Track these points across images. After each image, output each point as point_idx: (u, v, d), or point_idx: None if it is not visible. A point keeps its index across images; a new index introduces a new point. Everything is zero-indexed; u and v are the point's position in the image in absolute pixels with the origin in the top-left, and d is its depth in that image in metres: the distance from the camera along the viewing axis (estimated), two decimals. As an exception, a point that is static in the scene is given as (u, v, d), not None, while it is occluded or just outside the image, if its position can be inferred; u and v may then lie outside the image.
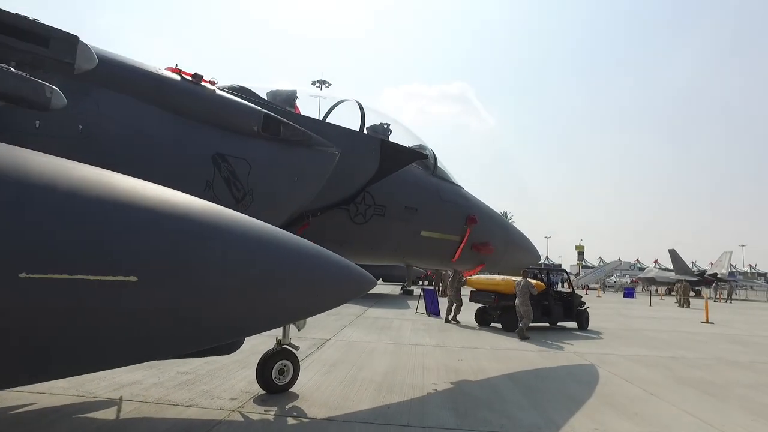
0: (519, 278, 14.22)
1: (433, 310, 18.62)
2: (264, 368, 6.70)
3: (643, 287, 58.36)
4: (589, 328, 16.35)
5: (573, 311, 16.19)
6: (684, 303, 32.59)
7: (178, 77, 4.03)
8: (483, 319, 15.93)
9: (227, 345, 5.13)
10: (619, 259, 67.56)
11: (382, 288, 35.01)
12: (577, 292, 17.31)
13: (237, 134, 4.30)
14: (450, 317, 16.52)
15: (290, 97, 6.34)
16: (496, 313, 15.28)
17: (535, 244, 10.60)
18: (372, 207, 6.76)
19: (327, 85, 60.18)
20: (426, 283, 38.78)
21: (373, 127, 7.58)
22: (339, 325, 14.09)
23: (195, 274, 2.51)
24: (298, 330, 7.33)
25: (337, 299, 3.31)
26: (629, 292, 45.27)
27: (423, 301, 19.41)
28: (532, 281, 14.31)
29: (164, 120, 3.73)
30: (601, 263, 67.60)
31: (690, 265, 53.63)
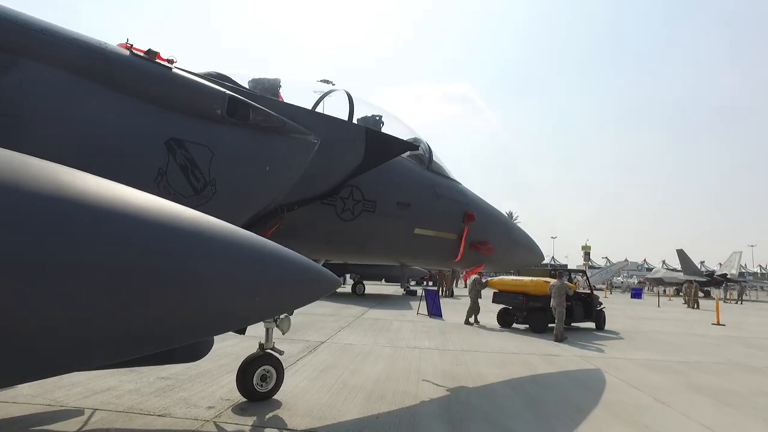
0: (550, 280, 14.40)
1: (434, 312, 18.07)
2: (244, 374, 6.23)
3: (650, 288, 57.36)
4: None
5: (592, 311, 16.01)
6: (693, 304, 31.78)
7: (127, 53, 3.58)
8: (505, 321, 15.71)
9: (190, 352, 4.64)
10: (626, 260, 66.37)
11: (384, 288, 34.52)
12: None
13: (197, 118, 3.83)
14: (471, 319, 16.40)
15: (273, 86, 5.87)
16: (522, 314, 15.08)
17: (539, 244, 10.08)
18: (361, 202, 6.25)
19: (331, 84, 60.16)
20: (430, 283, 38.22)
21: (364, 119, 7.10)
22: (336, 327, 13.61)
23: (128, 274, 2.03)
24: (283, 333, 6.88)
25: (296, 300, 2.85)
26: (636, 293, 44.38)
27: (425, 302, 18.84)
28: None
29: (107, 99, 3.28)
30: (608, 263, 66.49)
31: (699, 266, 52.57)
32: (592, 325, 16.12)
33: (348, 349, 10.27)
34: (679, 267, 52.51)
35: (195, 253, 2.17)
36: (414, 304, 22.84)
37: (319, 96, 6.69)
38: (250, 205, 4.33)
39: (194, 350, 4.71)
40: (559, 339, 12.90)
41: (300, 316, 15.94)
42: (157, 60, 3.75)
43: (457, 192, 7.99)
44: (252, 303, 2.38)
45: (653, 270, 61.46)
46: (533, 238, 10.06)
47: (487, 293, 17.50)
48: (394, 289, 34.13)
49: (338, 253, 6.82)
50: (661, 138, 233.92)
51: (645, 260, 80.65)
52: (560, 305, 13.32)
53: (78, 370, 2.29)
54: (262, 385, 6.32)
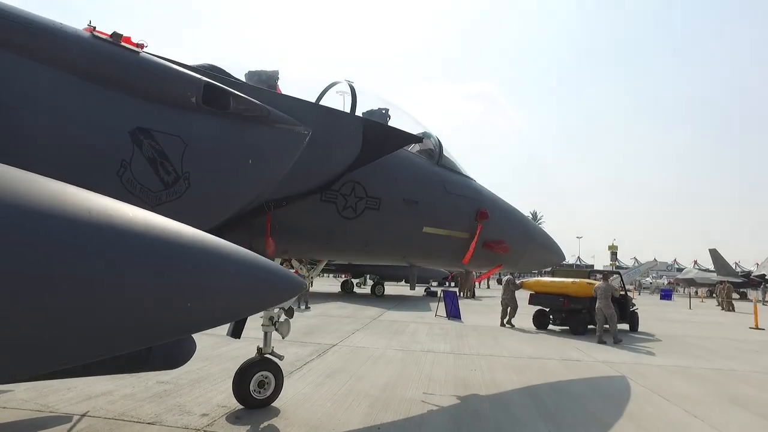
0: (591, 281, 14.56)
1: (453, 314, 17.53)
2: (241, 380, 5.90)
3: (682, 288, 55.01)
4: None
5: (626, 312, 15.72)
6: (727, 306, 30.19)
7: (87, 35, 3.28)
8: (540, 323, 15.51)
9: (165, 359, 4.32)
10: (655, 260, 63.79)
11: (405, 289, 34.03)
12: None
13: (168, 106, 3.50)
14: (505, 321, 16.12)
15: (270, 78, 5.53)
16: (560, 316, 14.95)
17: (560, 244, 9.48)
18: (364, 199, 5.85)
19: (340, 93, 60.01)
20: (452, 284, 37.52)
21: (370, 112, 6.72)
22: (350, 329, 13.25)
23: (83, 279, 1.74)
24: (283, 337, 6.55)
25: (246, 307, 2.45)
26: (666, 294, 42.56)
27: (443, 303, 18.31)
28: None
29: (63, 85, 2.98)
30: (636, 264, 64.16)
31: (733, 266, 50.12)
32: (625, 326, 15.70)
33: (359, 353, 9.89)
34: (711, 267, 50.21)
35: (182, 262, 1.85)
36: (434, 305, 22.31)
37: (323, 89, 6.34)
38: (231, 200, 3.98)
39: (170, 358, 4.38)
40: (616, 341, 12.80)
41: (315, 318, 15.69)
42: (123, 43, 3.44)
43: (469, 188, 7.51)
44: (181, 311, 2.00)
45: (684, 270, 58.98)
46: (553, 237, 9.49)
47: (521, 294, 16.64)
48: (416, 290, 33.62)
49: (340, 253, 6.43)
50: (693, 134, 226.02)
51: (675, 260, 77.74)
52: (608, 307, 13.15)
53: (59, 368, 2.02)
54: (259, 392, 5.99)
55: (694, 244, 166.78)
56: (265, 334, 6.30)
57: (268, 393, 6.04)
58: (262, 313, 6.36)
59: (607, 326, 13.08)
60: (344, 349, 10.29)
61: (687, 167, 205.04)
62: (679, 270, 64.93)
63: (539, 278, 16.35)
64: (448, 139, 7.41)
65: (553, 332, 14.44)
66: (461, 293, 31.41)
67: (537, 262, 9.54)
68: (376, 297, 27.01)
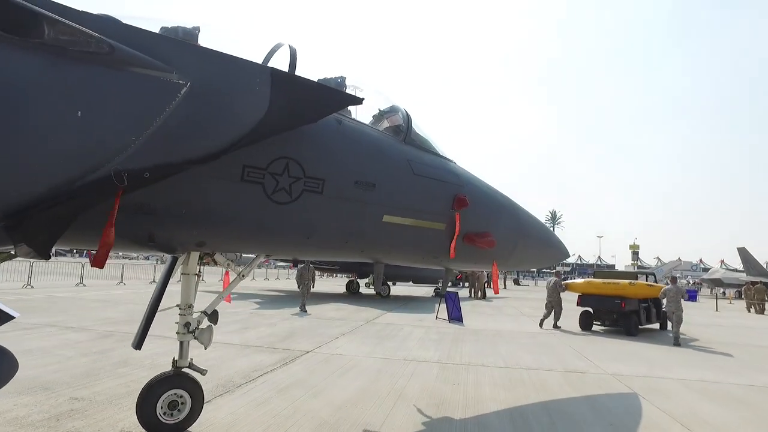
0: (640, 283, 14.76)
1: (455, 316, 16.12)
2: (146, 401, 4.72)
3: (709, 289, 51.89)
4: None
5: (660, 312, 15.97)
6: (758, 308, 27.83)
7: None
8: (586, 324, 15.25)
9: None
10: (679, 259, 60.39)
11: (413, 290, 32.69)
12: None
13: None
14: (552, 323, 15.59)
15: (189, 34, 4.37)
16: (611, 317, 14.65)
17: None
18: (301, 180, 4.60)
19: (359, 90, 58.89)
20: (466, 284, 35.85)
21: (325, 81, 5.52)
22: (336, 333, 12.01)
23: None
24: (205, 348, 5.36)
25: None
26: (692, 295, 39.85)
27: (445, 305, 16.90)
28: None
29: None
30: (659, 263, 60.99)
31: (765, 266, 46.90)
32: (655, 325, 15.73)
33: (332, 362, 8.64)
34: (740, 267, 47.11)
35: None
36: (442, 308, 20.93)
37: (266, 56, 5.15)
38: (44, 166, 2.79)
39: None
40: (677, 342, 12.75)
41: (305, 320, 14.51)
42: None
43: (445, 171, 6.17)
44: None
45: (710, 270, 55.71)
46: (552, 231, 8.08)
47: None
48: (425, 291, 32.22)
49: (277, 246, 5.17)
50: (718, 130, 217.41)
51: (701, 260, 74.08)
52: (679, 309, 13.19)
53: None
54: (171, 415, 4.80)
55: (721, 243, 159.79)
56: (181, 344, 5.11)
57: (182, 416, 4.85)
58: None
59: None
60: (318, 357, 9.06)
61: (713, 162, 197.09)
62: (705, 270, 61.52)
63: (590, 279, 16.16)
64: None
65: (552, 335, 12.91)
66: (471, 294, 29.88)
67: (533, 260, 8.09)
68: (382, 298, 25.71)
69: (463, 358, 9.52)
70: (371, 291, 29.65)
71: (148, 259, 65.13)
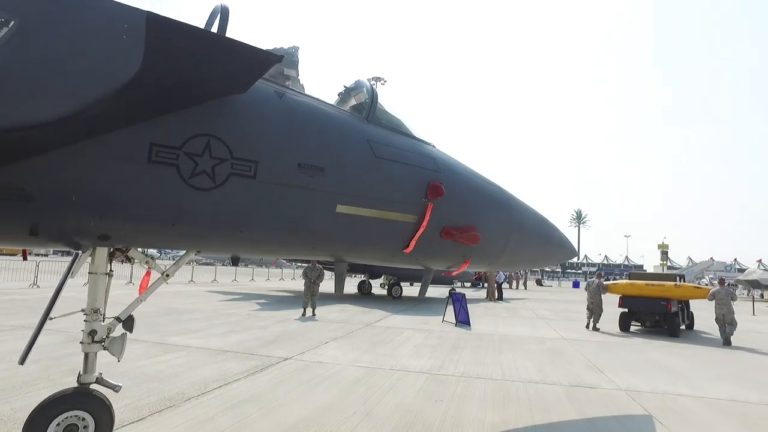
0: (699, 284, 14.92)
1: (462, 319, 15.05)
2: (31, 427, 3.91)
3: (745, 291, 48.65)
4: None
5: (688, 313, 16.13)
6: (800, 312, 25.57)
7: None
8: (625, 325, 15.02)
9: None
10: (712, 259, 57.00)
11: (429, 291, 31.45)
12: None
13: None
14: (592, 325, 15.34)
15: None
16: (654, 318, 14.57)
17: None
18: (227, 162, 3.74)
19: (382, 82, 57.79)
20: (484, 284, 34.43)
21: (276, 50, 4.70)
22: (327, 338, 11.14)
23: None
24: (118, 360, 4.52)
25: None
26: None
27: (453, 308, 15.83)
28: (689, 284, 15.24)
29: None
30: (690, 263, 57.77)
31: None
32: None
33: (308, 371, 7.77)
34: (779, 267, 44.00)
35: None
36: (449, 309, 19.82)
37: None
38: None
39: None
40: (728, 342, 12.88)
41: (302, 323, 13.71)
42: None
43: (417, 154, 5.20)
44: None
45: (746, 271, 52.29)
46: (556, 228, 7.02)
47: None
48: (440, 292, 30.91)
49: (200, 240, 4.28)
50: (753, 123, 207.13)
51: (735, 260, 70.14)
52: (731, 312, 13.10)
53: None
54: (68, 443, 3.98)
55: (758, 242, 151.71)
56: (86, 355, 4.28)
57: (84, 444, 4.03)
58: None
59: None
60: (295, 365, 8.20)
61: (749, 158, 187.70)
62: (741, 270, 57.98)
63: (632, 281, 15.90)
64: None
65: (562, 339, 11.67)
66: (488, 295, 28.53)
67: (531, 259, 7.00)
68: (393, 299, 24.75)
69: (457, 368, 8.48)
70: (381, 291, 28.72)
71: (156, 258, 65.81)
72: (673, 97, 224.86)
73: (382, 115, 5.14)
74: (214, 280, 31.04)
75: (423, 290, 6.28)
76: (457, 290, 29.69)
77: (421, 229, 4.94)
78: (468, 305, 23.80)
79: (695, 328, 16.53)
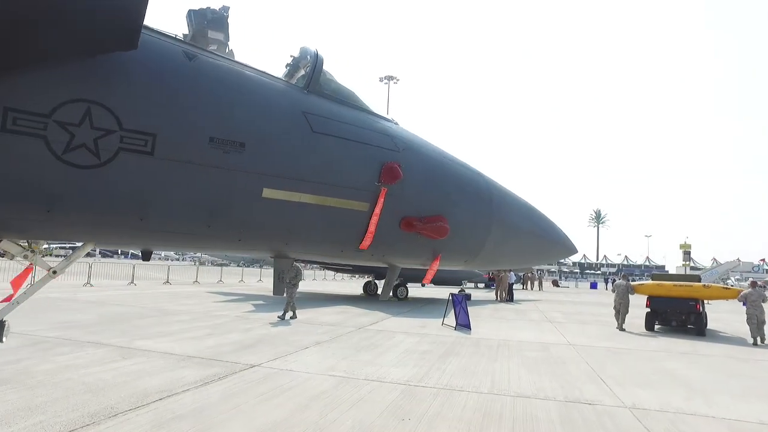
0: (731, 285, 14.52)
1: (462, 322, 14.04)
2: None
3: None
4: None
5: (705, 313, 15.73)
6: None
7: None
8: (651, 325, 15.10)
9: None
10: (738, 259, 54.19)
11: (437, 292, 30.45)
12: None
13: None
14: (619, 325, 15.26)
15: None
16: (680, 318, 14.70)
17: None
18: (115, 134, 2.93)
19: (395, 81, 56.79)
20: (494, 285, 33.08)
21: (199, 12, 3.91)
22: (308, 343, 10.29)
23: None
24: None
25: None
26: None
27: (453, 310, 14.82)
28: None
29: None
30: (715, 264, 55.11)
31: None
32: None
33: (271, 380, 6.94)
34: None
35: None
36: (449, 312, 18.79)
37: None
38: None
39: None
40: (760, 342, 12.98)
41: (288, 325, 12.91)
42: None
43: (369, 131, 4.28)
44: None
45: (776, 272, 49.78)
46: (552, 222, 6.02)
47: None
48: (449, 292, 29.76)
49: (91, 230, 3.45)
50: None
51: (764, 260, 66.93)
52: (763, 313, 13.09)
53: None
54: None
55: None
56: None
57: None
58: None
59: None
60: (260, 373, 7.37)
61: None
62: (768, 271, 55.14)
63: (659, 282, 15.78)
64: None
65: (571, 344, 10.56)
66: (497, 296, 27.32)
67: (520, 256, 6.00)
68: (399, 300, 23.78)
69: (441, 379, 7.53)
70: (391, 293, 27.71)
71: (168, 259, 66.28)
72: (697, 92, 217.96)
73: (327, 85, 4.24)
74: (220, 280, 30.59)
75: (386, 291, 5.33)
76: (467, 291, 28.69)
77: (374, 218, 4.04)
78: (475, 307, 22.89)
79: (708, 326, 15.66)
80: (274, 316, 14.77)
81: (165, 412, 5.30)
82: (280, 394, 6.32)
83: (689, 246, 51.76)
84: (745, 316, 13.59)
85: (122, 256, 72.91)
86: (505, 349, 10.71)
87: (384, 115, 4.58)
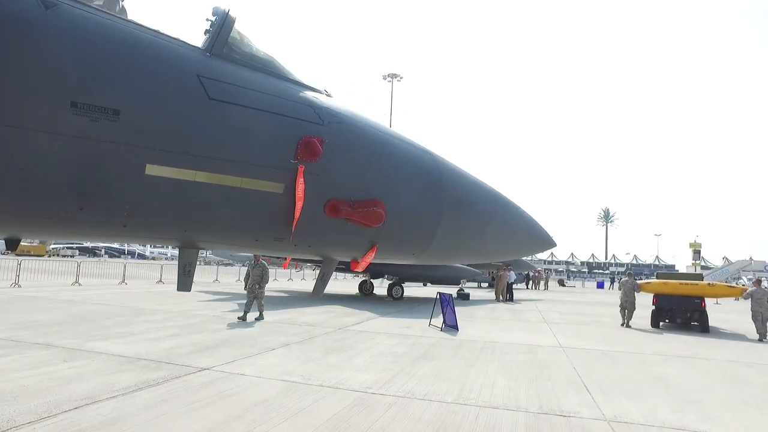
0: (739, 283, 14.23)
1: (449, 323, 13.29)
2: None
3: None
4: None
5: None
6: None
7: None
8: (656, 322, 15.39)
9: None
10: (750, 258, 52.51)
11: (435, 292, 29.60)
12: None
13: None
14: (626, 322, 15.54)
15: None
16: (686, 315, 14.96)
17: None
18: None
19: (398, 78, 55.89)
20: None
21: None
22: (278, 344, 9.62)
23: None
24: None
25: None
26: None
27: (442, 311, 14.07)
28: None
29: None
30: (726, 263, 53.43)
31: None
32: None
33: (210, 387, 6.27)
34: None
35: None
36: (457, 311, 17.98)
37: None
38: None
39: None
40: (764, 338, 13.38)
41: (262, 326, 12.23)
42: None
43: (285, 100, 3.58)
44: None
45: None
46: (523, 211, 5.30)
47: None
48: (449, 292, 28.82)
49: None
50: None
51: (778, 259, 64.94)
52: (767, 310, 13.42)
53: None
54: None
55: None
56: None
57: None
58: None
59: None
60: (204, 378, 6.71)
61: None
62: (782, 271, 53.31)
63: (665, 281, 16.15)
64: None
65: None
66: (497, 296, 26.38)
67: (485, 249, 5.23)
68: (393, 300, 23.07)
69: (405, 385, 6.80)
70: (382, 292, 27.01)
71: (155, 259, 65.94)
72: (709, 88, 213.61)
73: (239, 50, 3.54)
74: (216, 280, 30.09)
75: (317, 288, 4.58)
76: (466, 290, 27.80)
77: (299, 202, 3.35)
78: (472, 306, 22.09)
79: (716, 326, 16.02)
80: (253, 316, 14.14)
81: (68, 425, 4.65)
82: (217, 401, 5.64)
83: (699, 245, 50.17)
84: (734, 323, 13.14)
85: (128, 257, 73.07)
86: (489, 351, 9.93)
87: (312, 85, 3.86)
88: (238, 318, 12.67)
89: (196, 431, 4.67)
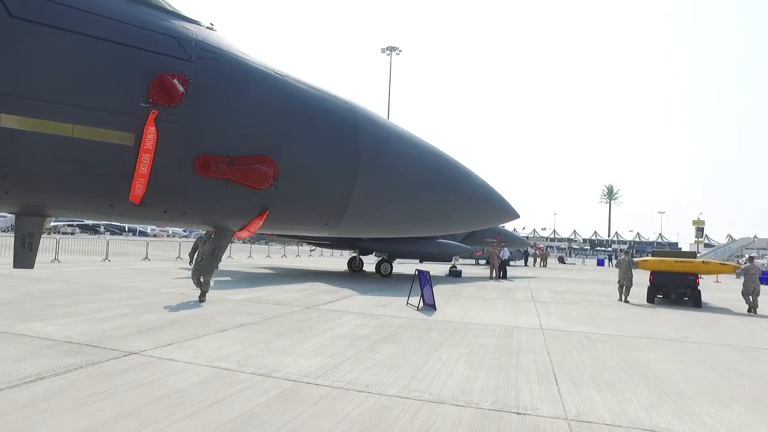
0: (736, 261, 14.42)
1: (427, 301, 12.56)
2: None
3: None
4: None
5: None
6: None
7: None
8: (652, 297, 15.91)
9: None
10: (755, 236, 51.19)
11: (428, 268, 28.87)
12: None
13: None
14: (624, 298, 16.08)
15: None
16: (680, 291, 15.50)
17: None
18: None
19: (398, 52, 53.94)
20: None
21: None
22: (230, 324, 8.92)
23: None
24: None
25: None
26: (765, 278, 32.84)
27: (420, 289, 13.31)
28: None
29: None
30: (730, 240, 52.22)
31: None
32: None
33: (128, 374, 5.56)
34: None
35: None
36: (443, 289, 17.33)
37: None
38: None
39: None
40: (754, 310, 14.12)
41: (223, 306, 11.53)
42: None
43: (142, 28, 2.61)
44: None
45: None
46: (476, 176, 4.34)
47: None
48: (442, 269, 28.07)
49: None
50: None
51: (783, 237, 63.60)
52: (758, 284, 14.23)
53: None
54: None
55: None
56: None
57: None
58: None
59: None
60: (128, 363, 6.00)
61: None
62: (787, 248, 52.12)
63: (662, 258, 16.49)
64: None
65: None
66: (491, 274, 25.62)
67: (425, 220, 4.30)
68: (382, 277, 22.40)
69: (349, 374, 6.06)
70: (371, 268, 26.30)
71: (175, 236, 65.54)
72: (715, 63, 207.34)
73: None
74: (179, 257, 29.45)
75: (209, 264, 3.71)
76: (458, 267, 27.02)
77: (143, 155, 2.47)
78: (461, 284, 21.38)
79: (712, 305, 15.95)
80: (226, 294, 13.46)
81: (-77, 425, 3.93)
82: (122, 393, 4.93)
83: (702, 222, 49.04)
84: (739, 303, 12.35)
85: (130, 234, 72.84)
86: (461, 334, 9.19)
87: (183, 13, 2.92)
88: (199, 299, 11.80)
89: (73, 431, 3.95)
